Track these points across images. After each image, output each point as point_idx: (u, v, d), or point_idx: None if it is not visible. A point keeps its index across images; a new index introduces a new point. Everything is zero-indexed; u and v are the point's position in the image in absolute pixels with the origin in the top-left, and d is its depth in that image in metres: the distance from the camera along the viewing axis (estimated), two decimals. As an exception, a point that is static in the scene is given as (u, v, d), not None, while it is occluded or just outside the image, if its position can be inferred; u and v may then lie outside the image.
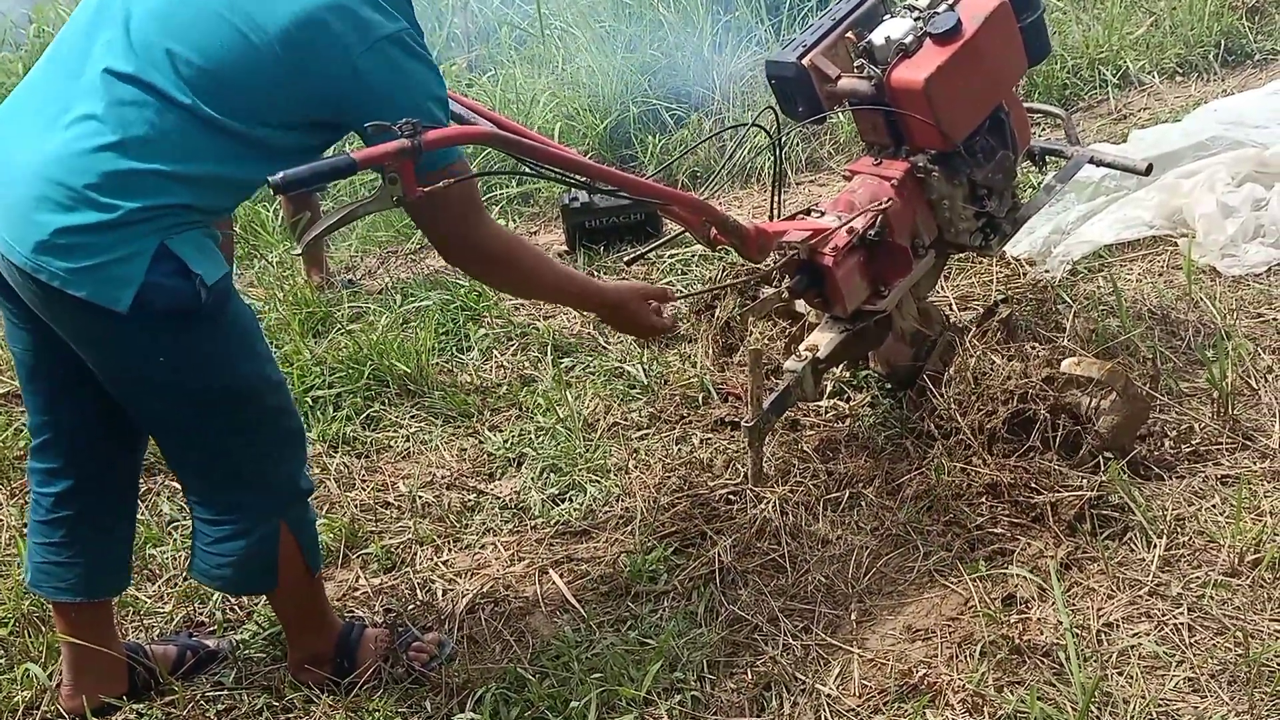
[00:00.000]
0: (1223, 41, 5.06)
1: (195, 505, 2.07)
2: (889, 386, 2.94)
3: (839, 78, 2.66)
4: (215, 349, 1.90)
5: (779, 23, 5.32)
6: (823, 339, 2.69)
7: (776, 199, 2.69)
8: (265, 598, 2.31)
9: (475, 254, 2.00)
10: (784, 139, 2.80)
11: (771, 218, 2.69)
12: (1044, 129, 4.46)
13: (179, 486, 2.22)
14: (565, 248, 4.20)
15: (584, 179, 2.24)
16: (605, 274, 3.91)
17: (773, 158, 2.94)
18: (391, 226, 4.54)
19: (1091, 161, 3.00)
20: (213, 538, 2.06)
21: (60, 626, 2.20)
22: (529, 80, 5.16)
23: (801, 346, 2.68)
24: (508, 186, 4.65)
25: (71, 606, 2.17)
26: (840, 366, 2.92)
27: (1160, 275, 3.39)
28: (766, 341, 3.07)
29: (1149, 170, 2.95)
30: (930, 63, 2.53)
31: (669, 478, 2.76)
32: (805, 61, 2.65)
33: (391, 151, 1.78)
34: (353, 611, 2.47)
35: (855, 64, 2.66)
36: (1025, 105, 2.99)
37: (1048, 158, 3.04)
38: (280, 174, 1.72)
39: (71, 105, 1.78)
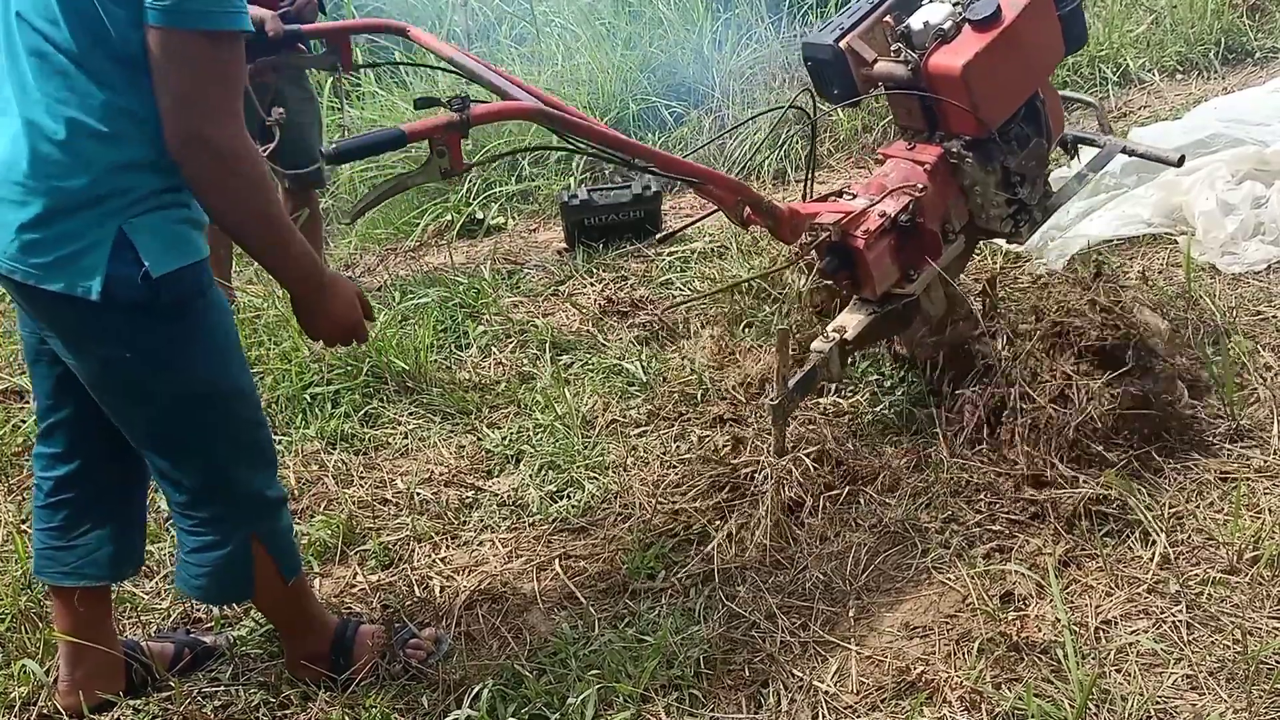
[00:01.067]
0: (1223, 39, 5.06)
1: (175, 515, 2.07)
2: (906, 366, 2.94)
3: (875, 61, 2.66)
4: (181, 349, 1.87)
5: (779, 20, 5.32)
6: (851, 320, 2.68)
7: (809, 181, 2.69)
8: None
9: (206, 144, 1.72)
10: (813, 128, 2.83)
11: (804, 199, 2.70)
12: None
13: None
14: (564, 245, 4.20)
15: (623, 155, 2.24)
16: (604, 271, 3.91)
17: (809, 141, 2.97)
18: (390, 224, 4.54)
19: (1124, 151, 2.98)
20: (189, 547, 2.06)
21: (58, 621, 2.20)
22: (529, 78, 5.16)
23: (829, 327, 2.68)
24: (507, 184, 4.65)
25: (73, 593, 2.16)
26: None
27: (1160, 273, 3.38)
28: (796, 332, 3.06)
29: (1181, 161, 2.90)
30: (969, 49, 2.53)
31: (667, 475, 2.75)
32: (842, 44, 2.65)
33: (440, 125, 1.81)
34: (350, 608, 2.47)
35: (892, 48, 2.65)
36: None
37: (1080, 146, 3.03)
38: (332, 144, 1.74)
39: (7, 103, 1.77)
